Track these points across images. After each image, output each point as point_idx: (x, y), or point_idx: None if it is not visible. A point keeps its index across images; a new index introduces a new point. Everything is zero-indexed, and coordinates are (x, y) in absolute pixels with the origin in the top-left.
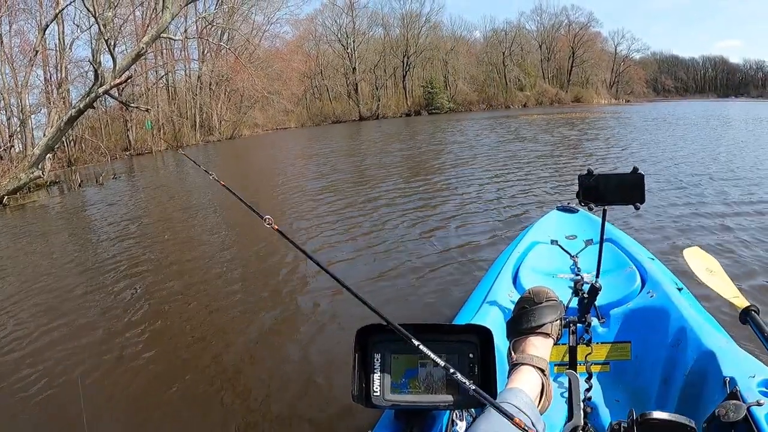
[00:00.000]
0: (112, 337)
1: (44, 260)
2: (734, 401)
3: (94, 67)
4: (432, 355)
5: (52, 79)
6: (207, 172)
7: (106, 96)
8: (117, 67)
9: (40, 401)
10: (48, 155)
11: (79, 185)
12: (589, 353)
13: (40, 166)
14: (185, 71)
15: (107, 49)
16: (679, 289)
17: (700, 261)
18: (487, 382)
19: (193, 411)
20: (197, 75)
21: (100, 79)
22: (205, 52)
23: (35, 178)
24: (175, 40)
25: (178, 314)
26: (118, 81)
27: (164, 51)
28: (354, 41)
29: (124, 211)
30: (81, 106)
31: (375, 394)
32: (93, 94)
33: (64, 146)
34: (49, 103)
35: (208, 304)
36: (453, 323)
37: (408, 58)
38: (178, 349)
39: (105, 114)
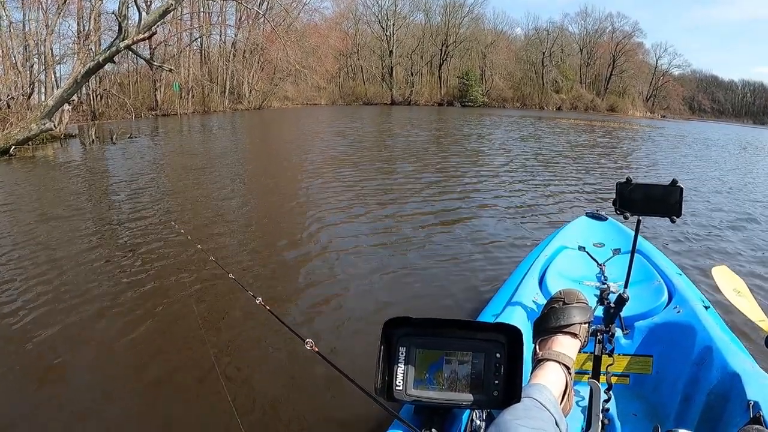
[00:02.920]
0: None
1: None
2: (757, 426)
3: (118, 20)
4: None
5: (86, 30)
6: (254, 296)
7: (135, 52)
8: (142, 23)
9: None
10: (67, 107)
11: (92, 142)
12: (611, 364)
13: (53, 118)
14: (220, 36)
15: (134, 2)
16: (706, 307)
17: (728, 281)
18: (512, 383)
19: (203, 402)
20: (232, 41)
21: (123, 32)
22: (242, 18)
23: (47, 130)
24: (208, 0)
25: (166, 307)
26: (140, 36)
27: (201, 14)
28: (394, 24)
29: (121, 174)
30: (100, 59)
31: (397, 388)
32: (114, 48)
33: (90, 100)
34: (74, 53)
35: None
36: (481, 321)
37: (446, 47)
38: (176, 334)
39: (135, 72)
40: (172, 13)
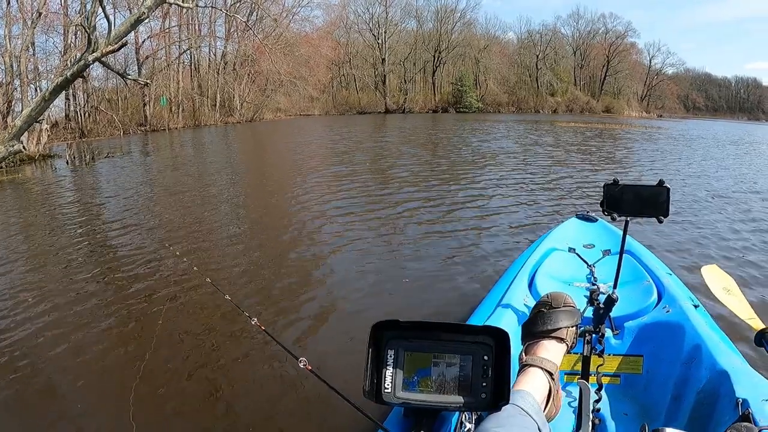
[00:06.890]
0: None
1: None
2: (746, 423)
3: (86, 32)
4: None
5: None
6: (249, 317)
7: (106, 65)
8: (113, 33)
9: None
10: (45, 127)
11: (67, 163)
12: (601, 364)
13: (25, 138)
14: (209, 48)
15: (102, 11)
16: (695, 306)
17: (717, 279)
18: (501, 386)
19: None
20: (222, 53)
21: (93, 45)
22: (232, 30)
23: (15, 152)
24: (183, 6)
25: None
26: (110, 48)
27: (189, 26)
28: (385, 32)
29: (100, 195)
30: (68, 74)
31: (386, 390)
32: (82, 62)
33: (78, 117)
34: (48, 70)
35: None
36: (469, 323)
37: (439, 53)
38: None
39: (125, 87)
40: (159, 24)
